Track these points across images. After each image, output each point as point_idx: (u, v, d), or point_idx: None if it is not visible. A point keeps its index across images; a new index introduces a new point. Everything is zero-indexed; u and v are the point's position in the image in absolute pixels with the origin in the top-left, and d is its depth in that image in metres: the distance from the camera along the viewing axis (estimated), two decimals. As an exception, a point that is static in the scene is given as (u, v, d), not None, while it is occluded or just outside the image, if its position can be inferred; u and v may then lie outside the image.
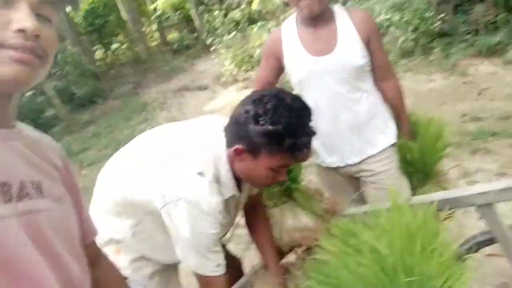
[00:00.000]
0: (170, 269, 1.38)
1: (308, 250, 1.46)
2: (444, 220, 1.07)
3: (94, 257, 0.83)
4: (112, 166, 1.27)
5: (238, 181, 1.19)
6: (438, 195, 1.15)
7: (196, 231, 1.08)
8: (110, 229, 1.22)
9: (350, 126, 1.56)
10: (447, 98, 4.43)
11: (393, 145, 1.61)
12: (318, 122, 1.15)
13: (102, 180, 1.27)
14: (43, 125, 7.65)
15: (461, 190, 1.18)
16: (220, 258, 1.16)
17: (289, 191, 1.48)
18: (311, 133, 1.10)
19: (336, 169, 1.67)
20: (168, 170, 1.10)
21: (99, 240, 0.86)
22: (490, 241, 1.31)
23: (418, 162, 1.65)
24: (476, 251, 1.36)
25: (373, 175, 1.61)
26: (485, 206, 1.14)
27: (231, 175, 1.13)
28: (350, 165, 1.63)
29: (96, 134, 7.63)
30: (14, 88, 0.56)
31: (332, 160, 1.64)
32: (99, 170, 1.33)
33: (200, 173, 1.07)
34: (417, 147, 1.61)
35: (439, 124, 1.69)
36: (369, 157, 1.59)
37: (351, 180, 1.71)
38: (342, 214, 1.45)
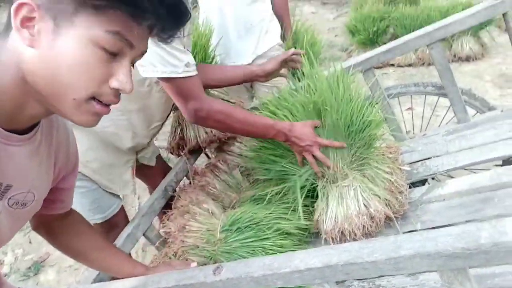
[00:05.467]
0: (119, 166, 1.31)
1: (227, 140, 1.56)
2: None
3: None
4: None
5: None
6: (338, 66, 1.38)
7: None
8: None
9: (242, 24, 1.67)
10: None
11: (280, 45, 1.80)
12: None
13: None
14: None
15: (348, 61, 1.46)
16: (190, 58, 1.01)
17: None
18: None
19: None
20: None
21: None
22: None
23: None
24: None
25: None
26: (369, 71, 1.44)
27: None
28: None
29: None
30: None
31: (227, 62, 1.74)
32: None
33: None
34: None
35: (312, 34, 1.97)
36: (259, 56, 1.74)
37: (247, 88, 1.87)
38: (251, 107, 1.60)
